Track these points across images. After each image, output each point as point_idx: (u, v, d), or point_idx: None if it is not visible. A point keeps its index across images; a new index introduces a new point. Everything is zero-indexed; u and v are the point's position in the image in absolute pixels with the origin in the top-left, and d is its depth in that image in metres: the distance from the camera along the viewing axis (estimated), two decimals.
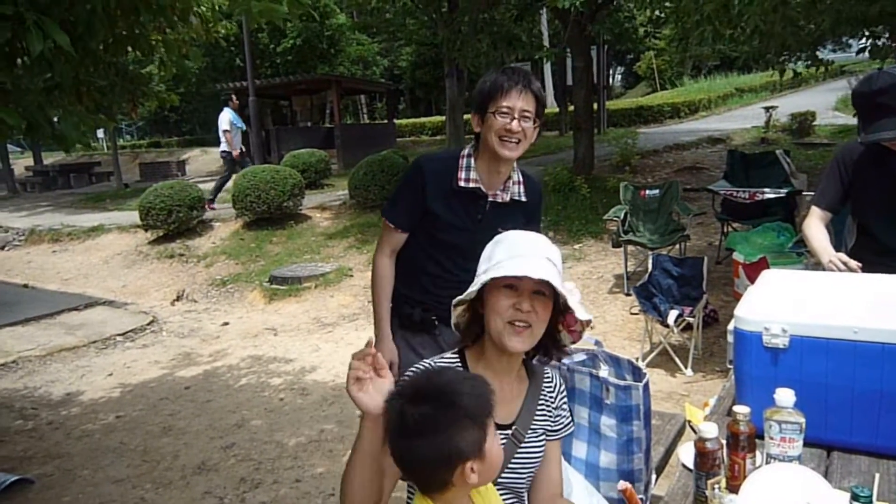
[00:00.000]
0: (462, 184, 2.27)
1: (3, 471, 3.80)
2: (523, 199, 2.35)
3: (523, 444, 1.58)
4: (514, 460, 1.56)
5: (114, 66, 3.79)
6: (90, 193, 17.21)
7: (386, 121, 22.67)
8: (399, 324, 2.46)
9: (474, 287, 1.54)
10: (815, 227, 2.60)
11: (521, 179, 2.36)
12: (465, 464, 1.22)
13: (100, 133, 27.82)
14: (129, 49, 3.89)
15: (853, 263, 2.37)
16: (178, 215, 9.71)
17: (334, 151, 15.74)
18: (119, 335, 6.62)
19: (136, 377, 5.43)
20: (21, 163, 25.43)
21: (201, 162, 21.73)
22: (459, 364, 1.61)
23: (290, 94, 20.06)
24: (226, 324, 6.90)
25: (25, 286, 9.03)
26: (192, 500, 3.44)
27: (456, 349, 1.66)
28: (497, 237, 1.62)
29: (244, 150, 12.04)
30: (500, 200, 2.31)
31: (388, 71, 30.51)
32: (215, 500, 3.43)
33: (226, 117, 11.69)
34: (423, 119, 25.65)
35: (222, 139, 11.78)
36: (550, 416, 1.65)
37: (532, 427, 1.60)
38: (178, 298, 7.98)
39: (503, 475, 1.55)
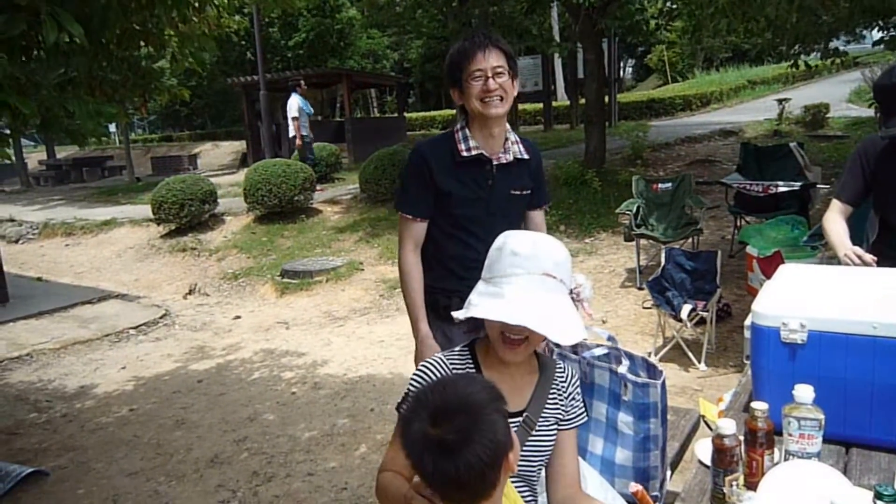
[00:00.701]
0: (465, 154, 2.30)
1: (19, 463, 3.83)
2: (525, 156, 2.40)
3: (534, 432, 1.59)
4: (525, 447, 1.57)
5: (126, 60, 3.80)
6: (103, 187, 17.31)
7: (396, 114, 22.62)
8: (436, 316, 2.41)
9: (464, 315, 1.52)
10: (835, 220, 2.58)
11: (518, 139, 2.41)
12: (508, 455, 1.22)
13: (112, 127, 27.98)
14: (142, 44, 3.90)
15: (868, 257, 2.35)
16: (190, 209, 9.75)
17: (345, 145, 15.75)
18: (132, 328, 6.66)
19: (149, 370, 5.46)
20: (34, 156, 25.60)
21: (213, 156, 21.80)
22: (470, 357, 1.62)
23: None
24: (238, 317, 6.92)
25: (39, 279, 9.10)
26: (206, 493, 3.45)
27: (466, 343, 1.67)
28: (501, 240, 1.58)
29: (310, 137, 11.98)
30: (504, 161, 2.34)
31: (399, 64, 30.49)
32: (228, 493, 3.45)
33: (295, 103, 11.70)
34: (433, 112, 25.60)
35: (291, 125, 11.78)
36: (562, 406, 1.65)
37: (543, 415, 1.61)
38: (191, 292, 8.01)
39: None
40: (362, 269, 7.81)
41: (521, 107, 17.79)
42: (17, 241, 11.55)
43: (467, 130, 2.32)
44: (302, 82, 12.44)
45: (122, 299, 7.90)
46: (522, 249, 1.51)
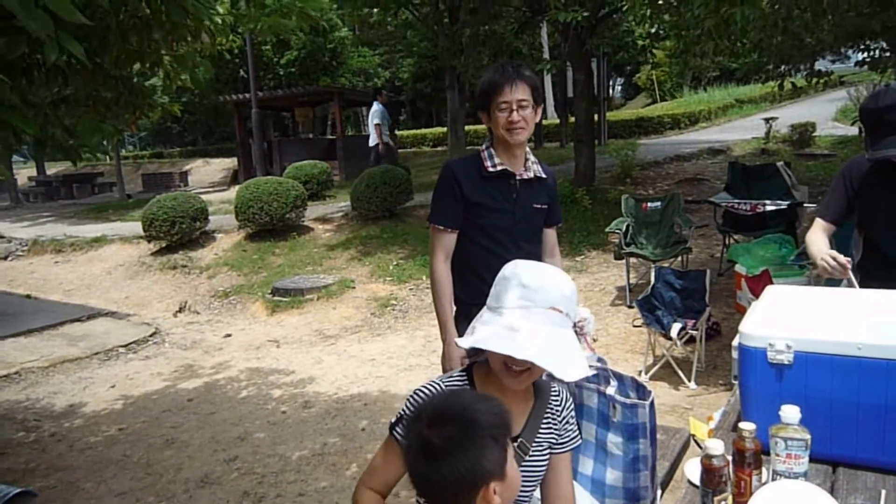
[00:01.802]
0: (491, 169, 2.55)
1: (6, 483, 3.78)
2: (543, 175, 2.66)
3: (528, 457, 1.61)
4: (519, 472, 1.57)
5: (121, 79, 3.82)
6: (93, 204, 17.26)
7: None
8: (468, 324, 2.53)
9: (468, 344, 1.53)
10: (816, 235, 2.63)
11: (536, 160, 2.67)
12: (490, 484, 1.23)
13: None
14: (137, 64, 3.92)
15: (842, 259, 2.38)
16: (181, 226, 9.74)
17: (336, 163, 15.79)
18: (121, 346, 6.62)
19: (138, 389, 5.43)
20: (24, 173, 25.47)
21: (203, 173, 21.79)
22: (467, 382, 1.63)
23: (293, 105, 20.13)
24: (228, 335, 6.90)
25: (28, 297, 9.04)
26: None
27: (463, 368, 1.68)
28: (509, 269, 1.59)
29: (391, 144, 12.31)
30: (526, 178, 2.60)
31: (390, 83, 30.60)
32: None
33: (377, 111, 12.02)
34: (424, 130, 25.73)
35: (372, 132, 12.17)
36: (556, 430, 1.67)
37: (537, 439, 1.62)
38: (181, 310, 7.98)
39: None
40: (354, 288, 7.81)
41: None
42: (5, 258, 11.47)
43: (493, 150, 2.58)
44: (383, 91, 12.89)
45: (112, 317, 7.87)
46: (531, 282, 1.51)
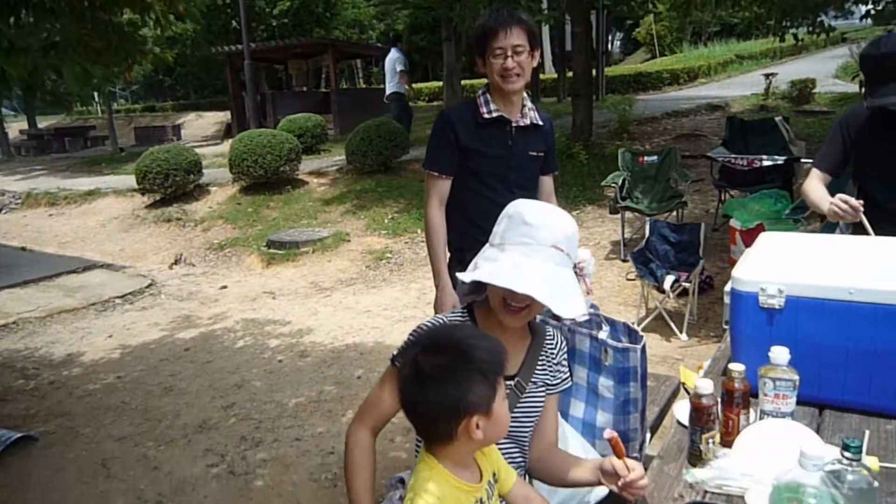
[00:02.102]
0: (486, 116, 2.52)
1: (7, 428, 3.85)
2: (540, 122, 2.63)
3: (525, 395, 1.64)
4: (516, 410, 1.62)
5: (110, 25, 3.75)
6: (86, 157, 17.10)
7: (382, 86, 22.44)
8: (462, 270, 2.54)
9: (469, 278, 1.54)
10: (814, 184, 2.62)
11: (533, 107, 2.63)
12: (472, 418, 1.25)
13: (94, 97, 27.53)
14: (125, 8, 3.84)
15: (854, 202, 2.36)
16: (174, 179, 9.68)
17: (330, 116, 15.62)
18: (118, 298, 6.65)
19: (135, 339, 5.47)
20: (15, 126, 25.19)
21: (196, 126, 21.56)
22: (468, 319, 1.66)
23: (286, 58, 19.83)
24: (224, 287, 6.93)
25: (23, 249, 9.03)
26: (194, 458, 3.50)
27: (465, 306, 1.71)
28: (513, 207, 1.60)
29: (406, 90, 11.93)
30: (522, 124, 2.57)
31: (385, 35, 30.07)
32: (217, 457, 3.49)
33: (399, 58, 11.57)
34: (419, 84, 25.40)
35: (390, 82, 11.61)
36: (551, 371, 1.70)
37: (533, 379, 1.66)
38: (176, 262, 7.99)
39: None
40: (349, 241, 7.82)
41: None
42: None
43: (488, 96, 2.54)
44: (402, 38, 12.46)
45: (108, 269, 7.88)
46: (534, 220, 1.53)
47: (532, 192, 2.69)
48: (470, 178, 2.58)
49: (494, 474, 1.41)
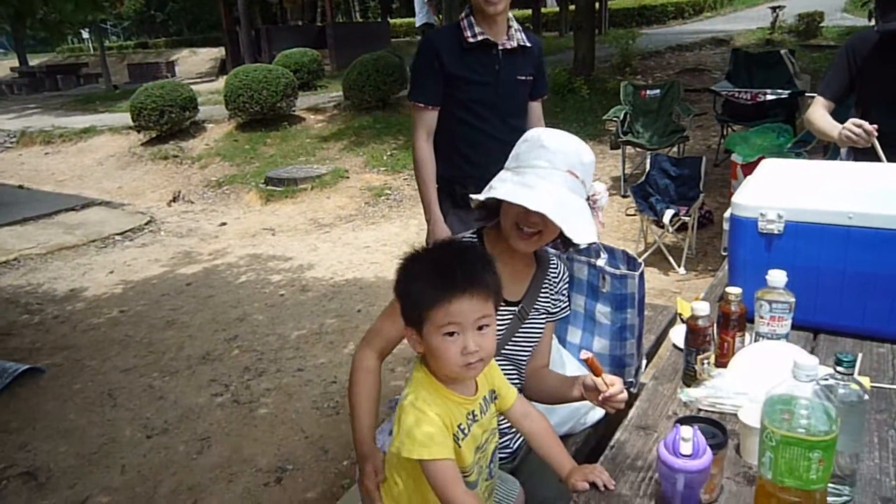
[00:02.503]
0: (471, 40, 2.41)
1: (14, 361, 3.91)
2: (528, 44, 2.51)
3: (526, 321, 1.66)
4: (517, 334, 1.66)
5: None
6: (79, 95, 16.83)
7: (380, 19, 21.89)
8: (452, 203, 2.57)
9: (484, 196, 1.53)
10: (820, 112, 2.59)
11: (520, 27, 2.53)
12: (423, 322, 1.26)
13: (84, 34, 26.90)
14: None
15: (868, 125, 2.33)
16: (169, 116, 9.54)
17: (327, 52, 15.30)
18: (118, 234, 6.65)
19: (137, 274, 5.50)
20: (6, 64, 24.71)
21: (191, 63, 21.14)
22: (478, 242, 1.66)
23: None
24: (223, 224, 6.93)
25: (21, 187, 8.99)
26: (199, 387, 3.57)
27: (474, 230, 1.71)
28: (531, 133, 1.58)
29: (436, 20, 11.63)
30: (508, 47, 2.46)
31: None
32: (221, 387, 3.56)
33: None
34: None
35: (419, 13, 11.46)
36: (553, 299, 1.71)
37: (535, 306, 1.67)
38: (175, 199, 7.96)
39: (507, 347, 1.65)
40: (347, 177, 7.77)
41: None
42: None
43: (472, 18, 2.42)
44: None
45: (107, 206, 7.86)
46: (551, 144, 1.50)
47: (522, 120, 2.61)
48: (457, 108, 2.48)
49: (494, 392, 1.43)
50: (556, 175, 1.48)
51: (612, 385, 1.40)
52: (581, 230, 1.47)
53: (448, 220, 2.55)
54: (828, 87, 2.63)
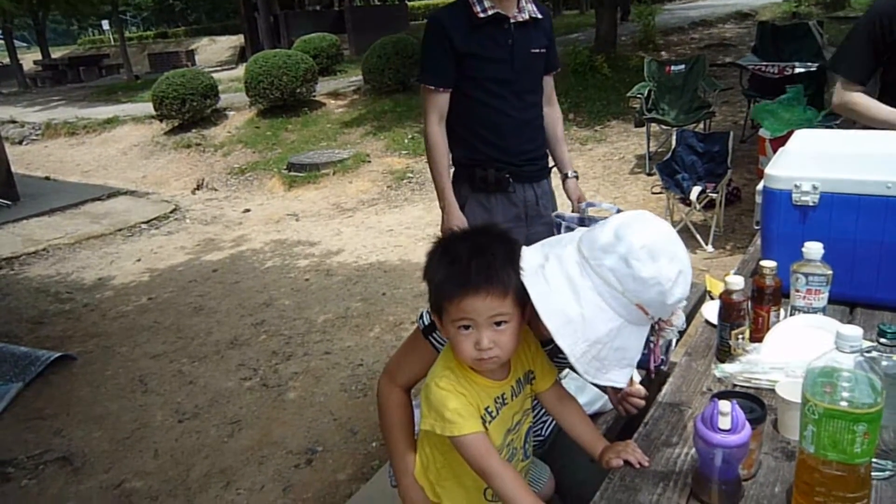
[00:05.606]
0: (482, 15, 2.28)
1: (46, 349, 3.98)
2: (539, 15, 2.40)
3: None
4: None
5: None
6: (101, 86, 17.01)
7: (398, 2, 21.75)
8: (472, 187, 2.46)
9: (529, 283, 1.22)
10: (864, 98, 2.32)
11: None
12: (442, 311, 1.23)
13: (105, 25, 27.13)
14: None
15: None
16: (191, 104, 9.61)
17: (345, 36, 15.26)
18: (143, 223, 6.72)
19: (163, 262, 5.56)
20: (29, 57, 25.02)
21: (210, 52, 21.25)
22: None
23: None
24: (247, 210, 6.97)
25: (47, 178, 9.11)
26: (228, 372, 3.60)
27: None
28: (629, 238, 1.17)
29: None
30: (520, 20, 2.34)
31: None
32: (249, 371, 3.59)
33: None
34: (437, 0, 24.60)
35: None
36: None
37: None
38: (199, 187, 8.03)
39: None
40: (369, 161, 7.76)
41: None
42: (20, 143, 11.48)
43: None
44: None
45: (132, 195, 7.94)
46: (642, 272, 1.15)
47: (539, 96, 2.51)
48: (471, 87, 2.35)
49: (530, 373, 1.39)
50: (619, 304, 1.16)
51: (634, 384, 1.37)
52: (607, 377, 1.19)
53: (468, 204, 2.46)
54: (853, 67, 2.39)
